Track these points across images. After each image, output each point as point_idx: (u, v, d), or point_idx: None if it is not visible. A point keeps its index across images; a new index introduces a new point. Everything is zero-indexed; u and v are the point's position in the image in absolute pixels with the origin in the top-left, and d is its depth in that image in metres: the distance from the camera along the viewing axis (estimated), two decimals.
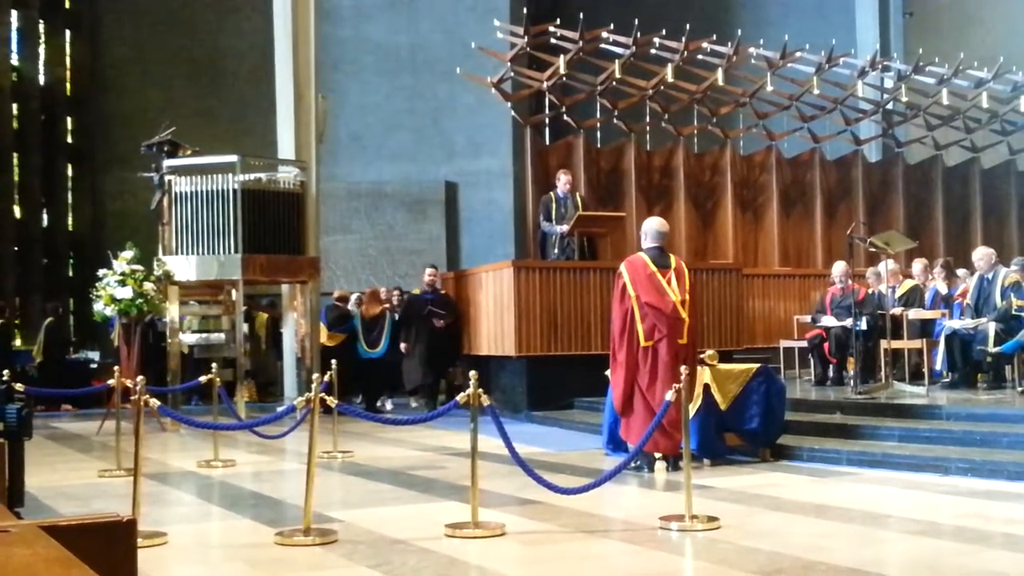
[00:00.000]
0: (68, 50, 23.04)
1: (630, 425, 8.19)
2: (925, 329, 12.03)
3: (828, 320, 12.50)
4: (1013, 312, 10.77)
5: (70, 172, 22.95)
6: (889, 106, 18.64)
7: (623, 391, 8.18)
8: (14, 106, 21.66)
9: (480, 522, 5.83)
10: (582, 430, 10.93)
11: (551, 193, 13.44)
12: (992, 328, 10.74)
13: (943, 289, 12.60)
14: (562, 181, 13.38)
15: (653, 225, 8.53)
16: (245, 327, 14.39)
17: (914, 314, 12.00)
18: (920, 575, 4.75)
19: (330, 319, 14.60)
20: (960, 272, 13.18)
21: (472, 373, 6.17)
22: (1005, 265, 11.77)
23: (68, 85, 23.02)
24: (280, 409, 7.43)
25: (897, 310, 11.90)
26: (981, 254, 11.37)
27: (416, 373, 14.41)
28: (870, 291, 12.53)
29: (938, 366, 11.55)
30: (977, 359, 11.08)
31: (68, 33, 23.02)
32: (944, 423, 8.98)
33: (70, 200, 23.01)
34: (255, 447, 10.36)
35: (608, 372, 8.58)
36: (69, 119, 23.07)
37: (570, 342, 12.49)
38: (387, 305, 15.13)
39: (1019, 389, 10.45)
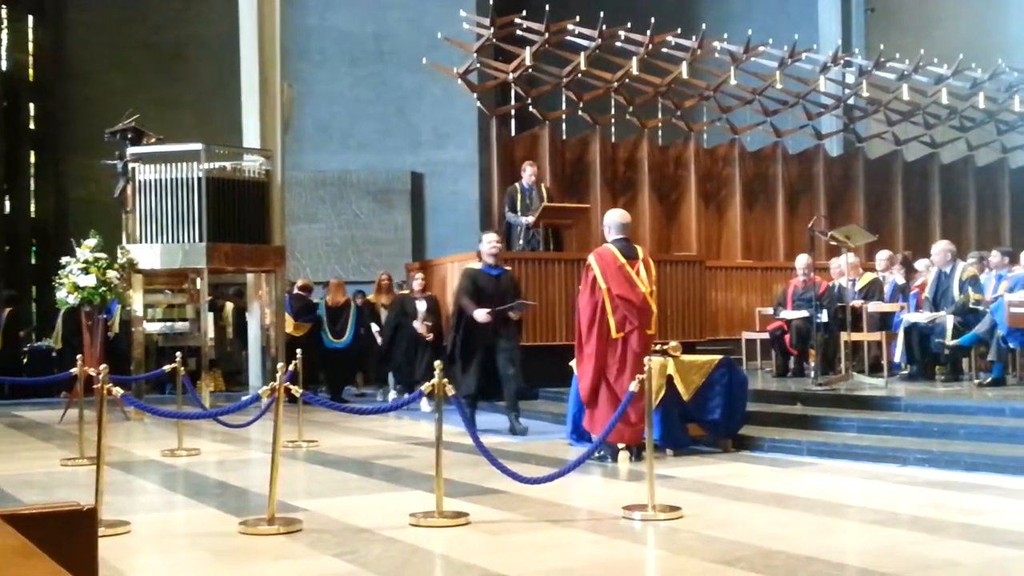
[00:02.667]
0: (31, 35, 22.81)
1: (595, 416, 8.25)
2: (884, 322, 12.18)
3: (788, 313, 12.63)
4: (970, 306, 10.92)
5: (32, 159, 22.73)
6: (850, 101, 18.83)
7: (591, 382, 8.23)
8: None
9: (444, 511, 5.87)
10: (547, 420, 10.99)
11: (516, 184, 13.48)
12: (950, 321, 10.89)
13: (902, 282, 12.75)
14: (527, 173, 13.42)
15: (615, 217, 8.59)
16: (211, 316, 14.30)
17: (873, 307, 12.14)
18: (878, 563, 4.83)
19: (295, 309, 14.54)
20: (920, 265, 13.33)
21: (437, 363, 6.20)
22: (963, 259, 11.94)
23: (31, 71, 22.79)
24: (245, 398, 7.43)
25: (857, 302, 12.04)
26: (939, 248, 11.52)
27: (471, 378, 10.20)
28: (831, 284, 12.66)
29: (897, 358, 11.70)
30: (935, 352, 11.23)
31: (31, 18, 22.78)
32: (902, 414, 9.10)
33: (32, 187, 22.78)
34: (220, 436, 10.34)
35: (573, 363, 8.64)
36: (32, 105, 22.85)
37: (535, 332, 12.54)
38: (397, 295, 14.41)
39: (976, 381, 10.62)
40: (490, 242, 10.31)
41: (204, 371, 13.39)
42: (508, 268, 10.57)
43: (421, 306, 13.10)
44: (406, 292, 13.74)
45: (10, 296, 17.38)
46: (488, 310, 9.83)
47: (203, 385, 13.01)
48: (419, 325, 12.94)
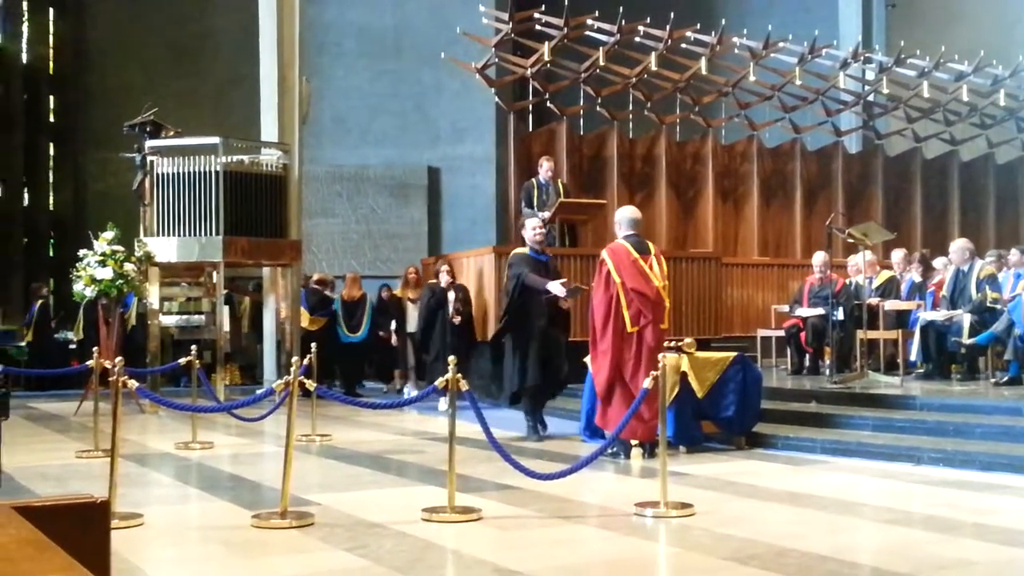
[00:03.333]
0: (51, 28, 22.92)
1: (608, 412, 8.24)
2: (901, 320, 12.12)
3: (804, 310, 12.58)
4: (988, 304, 10.87)
5: (52, 151, 22.84)
6: (870, 98, 18.73)
7: (607, 377, 8.20)
8: None
9: (457, 507, 5.87)
10: (560, 416, 10.97)
11: (533, 179, 13.46)
12: (967, 320, 10.84)
13: (919, 280, 12.69)
14: (544, 168, 13.39)
15: (627, 214, 8.60)
16: (227, 309, 14.35)
17: (890, 305, 12.09)
18: (891, 563, 4.81)
19: (311, 303, 14.56)
20: (938, 263, 13.26)
21: (451, 358, 6.20)
22: (981, 258, 11.87)
23: (51, 63, 22.89)
24: (259, 392, 7.43)
25: (874, 300, 11.99)
26: (957, 246, 11.46)
27: (522, 374, 9.59)
28: (847, 281, 12.61)
29: (913, 357, 11.64)
30: (952, 350, 11.18)
31: (51, 11, 22.89)
32: (918, 413, 9.07)
33: (51, 179, 22.90)
34: (234, 430, 10.38)
35: (587, 359, 8.63)
36: (51, 97, 22.96)
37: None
38: (426, 286, 13.30)
39: (992, 381, 10.56)
40: (534, 228, 9.81)
41: (219, 364, 13.43)
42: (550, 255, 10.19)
43: (451, 297, 12.63)
44: (434, 283, 12.95)
45: (39, 288, 17.51)
46: (563, 280, 9.38)
47: (218, 379, 13.06)
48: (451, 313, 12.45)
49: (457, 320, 12.40)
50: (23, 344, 16.72)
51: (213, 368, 13.17)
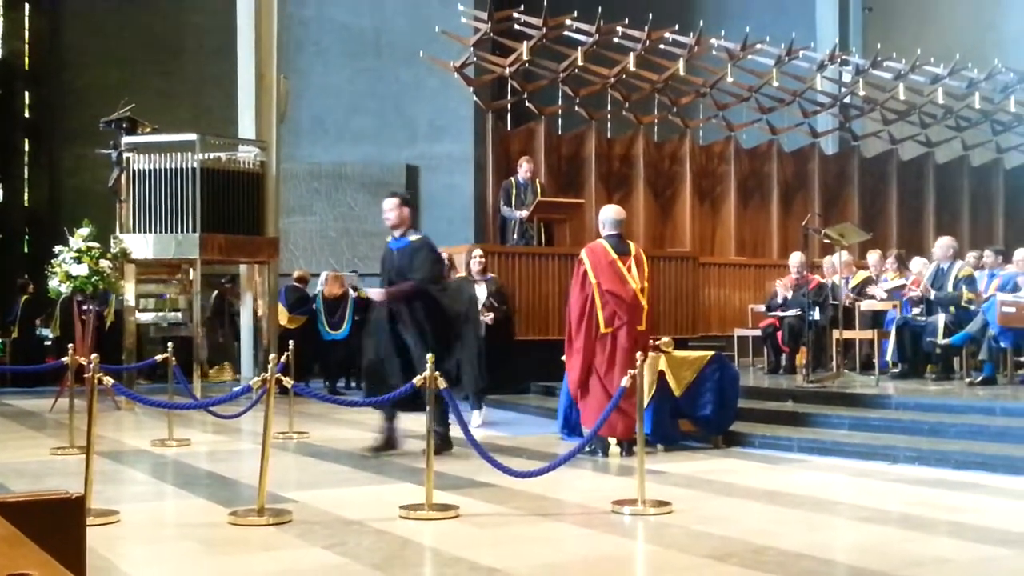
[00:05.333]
0: (27, 24, 22.74)
1: (585, 411, 8.27)
2: (876, 320, 12.19)
3: (780, 311, 12.64)
4: (963, 304, 10.95)
5: (27, 147, 22.68)
6: (847, 100, 18.84)
7: (579, 376, 8.27)
8: None
9: (435, 504, 5.87)
10: (538, 414, 10.99)
11: (512, 179, 13.46)
12: (942, 320, 10.92)
13: (894, 280, 12.77)
14: (524, 168, 13.39)
15: (610, 213, 8.60)
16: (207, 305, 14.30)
17: (866, 305, 12.16)
18: (867, 560, 4.84)
19: (290, 301, 14.50)
20: (915, 265, 13.34)
21: (428, 356, 6.20)
22: (962, 258, 11.97)
23: (26, 59, 22.72)
24: (236, 389, 7.41)
25: (850, 296, 12.06)
26: (942, 243, 11.54)
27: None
28: (823, 281, 12.67)
29: (888, 357, 11.71)
30: (927, 351, 11.26)
31: (27, 7, 22.71)
32: (893, 412, 9.13)
33: (27, 176, 22.74)
34: (211, 427, 10.34)
35: (564, 358, 8.64)
36: (27, 93, 22.79)
37: (527, 327, 12.53)
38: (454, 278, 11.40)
39: (967, 380, 10.64)
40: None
41: (196, 362, 13.36)
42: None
43: (481, 291, 11.00)
44: (462, 275, 11.23)
45: (24, 284, 17.32)
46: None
47: (215, 374, 13.02)
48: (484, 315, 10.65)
49: (490, 319, 10.86)
50: (1, 341, 16.60)
51: (190, 365, 13.10)
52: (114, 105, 13.57)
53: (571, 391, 8.42)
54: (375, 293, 8.44)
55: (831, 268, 12.69)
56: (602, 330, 8.17)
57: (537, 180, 13.66)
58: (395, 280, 8.36)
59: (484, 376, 9.02)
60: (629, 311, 8.18)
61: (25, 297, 16.80)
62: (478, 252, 11.17)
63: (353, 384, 14.89)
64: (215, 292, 16.47)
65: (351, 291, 14.61)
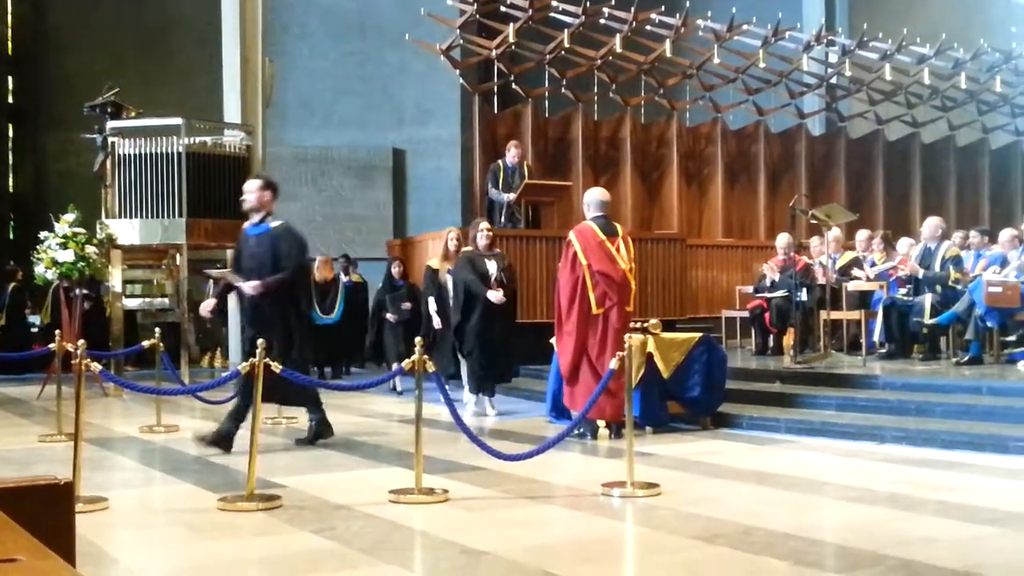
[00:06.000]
0: (10, 7, 22.55)
1: (575, 393, 8.26)
2: (863, 300, 12.22)
3: (766, 290, 12.67)
4: (950, 284, 11.00)
5: (11, 132, 22.53)
6: (833, 80, 18.85)
7: (571, 359, 8.22)
8: None
9: (424, 488, 5.88)
10: (526, 398, 11.01)
11: (499, 161, 13.44)
12: (928, 300, 10.96)
13: (881, 261, 12.81)
14: (512, 152, 13.35)
15: (596, 195, 8.60)
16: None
17: (853, 286, 12.19)
18: (855, 540, 4.86)
19: None
20: (901, 245, 13.37)
21: (417, 339, 6.20)
22: (949, 239, 12.01)
23: (10, 44, 22.55)
24: (224, 375, 7.39)
25: (831, 278, 12.09)
26: (931, 223, 11.58)
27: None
28: (811, 262, 12.70)
29: (875, 337, 11.76)
30: (914, 330, 11.30)
31: None
32: (880, 393, 9.16)
33: (11, 161, 22.60)
34: (199, 413, 10.32)
35: (553, 340, 8.64)
36: (11, 78, 22.62)
37: (515, 310, 12.50)
38: (462, 252, 10.50)
39: (953, 360, 10.69)
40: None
41: (184, 347, 13.32)
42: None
43: (492, 267, 9.99)
44: (470, 249, 10.14)
45: (13, 272, 17.18)
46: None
47: (209, 360, 12.99)
48: (494, 294, 9.69)
49: (498, 297, 9.74)
50: None
51: (177, 351, 13.07)
52: (99, 89, 13.50)
53: (563, 373, 8.38)
54: (248, 286, 7.77)
55: (818, 249, 12.72)
56: (594, 311, 8.16)
57: (525, 163, 13.64)
58: (252, 267, 7.91)
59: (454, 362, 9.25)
60: (619, 291, 8.19)
61: (14, 284, 16.71)
62: (484, 225, 10.19)
63: (348, 369, 14.89)
64: (209, 280, 16.42)
65: (341, 276, 14.60)
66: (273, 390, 6.71)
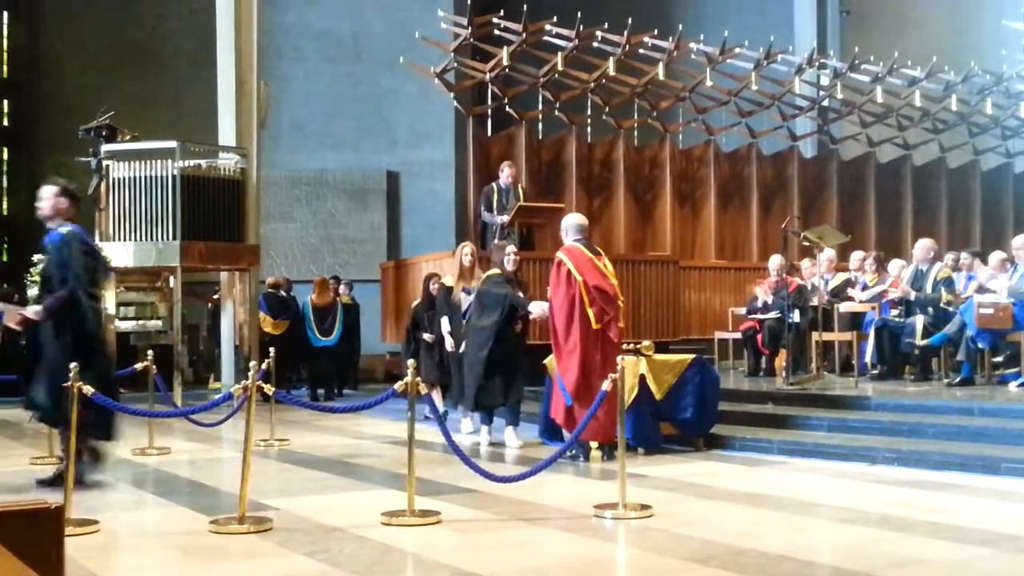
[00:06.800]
0: (6, 32, 22.63)
1: (579, 414, 8.08)
2: (855, 322, 12.25)
3: (758, 312, 12.69)
4: (941, 305, 11.03)
5: (6, 155, 22.57)
6: (825, 103, 18.94)
7: (577, 376, 8.09)
8: None
9: (416, 510, 5.87)
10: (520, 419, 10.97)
11: (493, 184, 13.46)
12: (920, 321, 10.98)
13: (873, 282, 12.84)
14: (505, 173, 13.35)
15: (574, 220, 8.65)
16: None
17: (845, 307, 12.22)
18: (848, 561, 4.87)
19: (272, 307, 14.42)
20: (892, 267, 13.41)
21: (410, 362, 6.20)
22: (941, 260, 12.05)
23: (5, 67, 22.61)
24: (216, 397, 7.38)
25: (824, 298, 12.12)
26: (923, 245, 11.60)
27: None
28: (803, 283, 12.72)
29: (867, 358, 11.78)
30: (905, 352, 11.33)
31: (5, 15, 22.60)
32: (872, 414, 9.17)
33: (5, 184, 22.63)
34: (191, 435, 10.30)
35: (546, 361, 8.64)
36: (6, 102, 22.68)
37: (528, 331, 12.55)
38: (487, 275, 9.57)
39: (945, 381, 10.70)
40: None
41: (177, 369, 13.30)
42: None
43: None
44: (496, 271, 9.33)
45: (8, 295, 17.14)
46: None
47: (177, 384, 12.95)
48: (537, 306, 8.92)
49: (518, 327, 9.36)
50: None
51: (171, 373, 13.05)
52: (93, 113, 13.52)
53: (570, 392, 8.11)
54: (29, 312, 7.30)
55: (810, 271, 12.75)
56: (594, 326, 8.12)
57: (519, 185, 13.67)
58: (47, 279, 7.43)
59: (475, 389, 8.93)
60: (614, 307, 8.20)
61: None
62: (512, 248, 9.49)
63: (340, 391, 14.88)
64: (209, 304, 16.43)
65: (339, 297, 14.62)
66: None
